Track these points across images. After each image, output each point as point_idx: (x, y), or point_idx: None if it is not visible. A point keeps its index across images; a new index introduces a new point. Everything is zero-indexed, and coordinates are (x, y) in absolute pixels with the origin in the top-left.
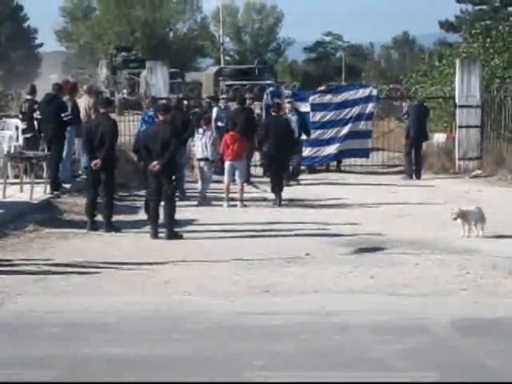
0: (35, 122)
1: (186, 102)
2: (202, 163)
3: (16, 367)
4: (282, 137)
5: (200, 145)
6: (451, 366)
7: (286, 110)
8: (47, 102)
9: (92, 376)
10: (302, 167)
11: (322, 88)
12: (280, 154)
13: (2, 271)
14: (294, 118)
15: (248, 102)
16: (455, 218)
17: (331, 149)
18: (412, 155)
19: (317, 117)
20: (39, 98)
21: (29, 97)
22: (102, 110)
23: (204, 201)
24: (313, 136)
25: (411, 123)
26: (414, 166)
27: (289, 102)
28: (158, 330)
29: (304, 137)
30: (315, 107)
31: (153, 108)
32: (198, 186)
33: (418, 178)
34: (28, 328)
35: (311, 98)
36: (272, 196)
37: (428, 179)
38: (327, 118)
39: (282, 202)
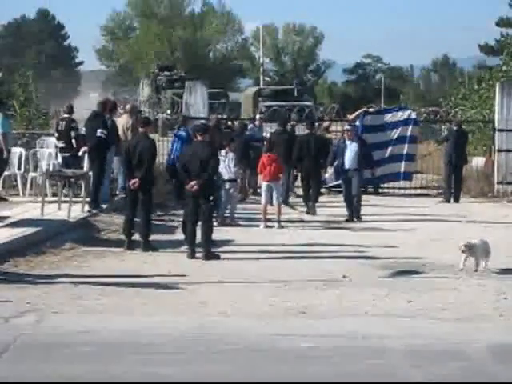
0: (73, 141)
1: (229, 123)
2: (227, 184)
3: None
4: (313, 153)
5: (223, 166)
6: None
7: (346, 137)
8: (90, 119)
9: None
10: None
11: (371, 109)
12: (312, 169)
13: (38, 289)
14: (352, 147)
15: (292, 123)
16: (463, 251)
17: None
18: (452, 179)
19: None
20: (77, 116)
21: (66, 115)
22: (140, 130)
23: (232, 221)
24: None
25: (451, 147)
26: (454, 189)
27: (347, 131)
28: (192, 350)
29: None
30: (368, 129)
31: (184, 128)
32: (223, 206)
33: (457, 201)
34: (61, 347)
35: (364, 119)
36: (309, 217)
37: (466, 203)
38: (376, 140)
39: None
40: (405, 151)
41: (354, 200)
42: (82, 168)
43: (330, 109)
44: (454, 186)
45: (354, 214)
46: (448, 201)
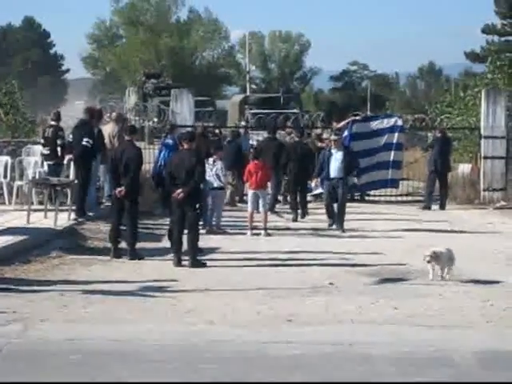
0: (59, 149)
1: (217, 131)
2: (213, 193)
3: None
4: (301, 161)
5: (212, 174)
6: None
7: (332, 145)
8: (77, 127)
9: None
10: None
11: (357, 117)
12: (300, 176)
13: (25, 297)
14: (337, 156)
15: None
16: (429, 261)
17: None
18: (435, 186)
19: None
20: (63, 124)
21: (53, 123)
22: (126, 138)
23: (218, 229)
24: None
25: (435, 154)
26: (440, 196)
27: (333, 140)
28: (179, 359)
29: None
30: (354, 136)
31: (171, 136)
32: (209, 214)
33: (443, 208)
34: (47, 355)
35: (353, 127)
36: (295, 225)
37: (452, 210)
38: (362, 147)
39: (304, 232)
40: (391, 158)
41: (338, 210)
42: (66, 176)
43: (315, 116)
44: (439, 193)
45: (338, 225)
46: (428, 208)
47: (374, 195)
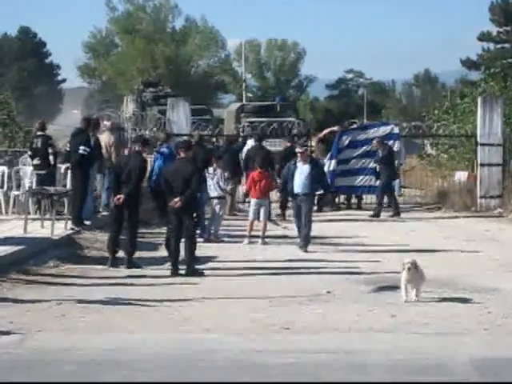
0: (51, 158)
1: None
2: (214, 201)
3: None
4: None
5: (212, 184)
6: None
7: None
8: (74, 135)
9: None
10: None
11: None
12: None
13: (22, 307)
14: (303, 169)
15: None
16: (409, 269)
17: (355, 180)
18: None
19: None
20: (59, 133)
21: (40, 133)
22: (137, 148)
23: (216, 238)
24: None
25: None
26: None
27: (299, 152)
28: (174, 367)
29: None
30: (351, 144)
31: (166, 145)
32: (208, 223)
33: (376, 216)
34: (43, 365)
35: (348, 136)
36: (292, 233)
37: (449, 217)
38: (357, 152)
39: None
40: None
41: (303, 229)
42: (63, 185)
43: (310, 123)
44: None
45: (302, 245)
46: (378, 216)
47: (371, 203)
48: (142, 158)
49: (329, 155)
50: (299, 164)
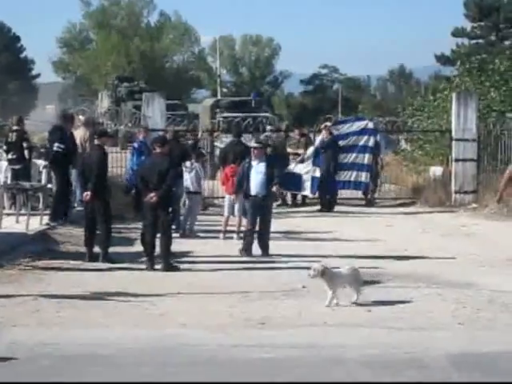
0: (26, 152)
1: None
2: (189, 197)
3: None
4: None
5: (189, 178)
6: None
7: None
8: (50, 132)
9: None
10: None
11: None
12: None
13: None
14: (258, 168)
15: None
16: (314, 276)
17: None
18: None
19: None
20: (33, 128)
21: (16, 127)
22: (96, 142)
23: (191, 233)
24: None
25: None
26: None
27: (254, 148)
28: (151, 363)
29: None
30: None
31: (137, 140)
32: (183, 218)
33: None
34: (20, 360)
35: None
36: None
37: (424, 212)
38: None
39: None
40: (366, 161)
41: (261, 233)
42: (38, 181)
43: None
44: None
45: (262, 251)
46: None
47: (347, 198)
48: (102, 151)
49: (311, 160)
50: (254, 162)
